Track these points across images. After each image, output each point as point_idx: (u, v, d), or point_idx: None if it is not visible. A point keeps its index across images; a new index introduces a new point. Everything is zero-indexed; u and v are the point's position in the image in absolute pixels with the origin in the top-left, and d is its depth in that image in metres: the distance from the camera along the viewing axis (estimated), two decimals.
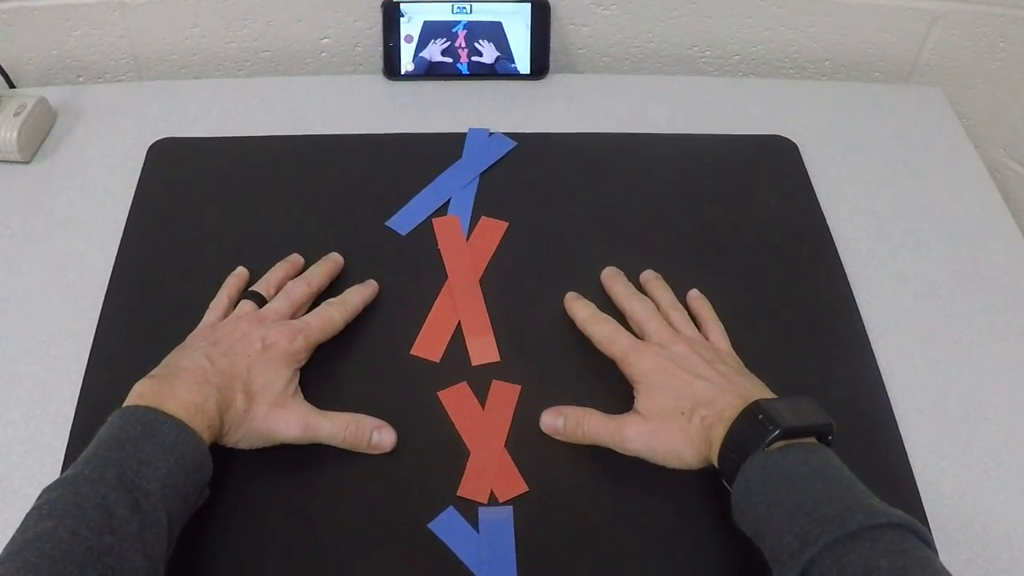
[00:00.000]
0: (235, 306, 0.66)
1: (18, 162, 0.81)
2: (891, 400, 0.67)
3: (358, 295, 0.68)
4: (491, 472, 0.62)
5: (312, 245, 0.74)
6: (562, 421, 0.62)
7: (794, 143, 0.84)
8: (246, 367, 0.60)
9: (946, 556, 0.58)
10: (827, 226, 0.78)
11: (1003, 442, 0.66)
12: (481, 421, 0.64)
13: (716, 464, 0.57)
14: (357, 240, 0.74)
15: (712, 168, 0.82)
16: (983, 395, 0.68)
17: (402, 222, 0.76)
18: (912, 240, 0.79)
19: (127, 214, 0.76)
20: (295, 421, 0.60)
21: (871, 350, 0.70)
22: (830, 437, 0.56)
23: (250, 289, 0.67)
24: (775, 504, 0.51)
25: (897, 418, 0.66)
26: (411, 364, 0.67)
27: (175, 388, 0.56)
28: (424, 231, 0.76)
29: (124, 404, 0.55)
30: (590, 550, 0.59)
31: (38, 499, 0.49)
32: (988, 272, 0.76)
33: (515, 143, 0.82)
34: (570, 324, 0.70)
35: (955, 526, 0.61)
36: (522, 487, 0.61)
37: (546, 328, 0.70)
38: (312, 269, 0.69)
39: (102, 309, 0.70)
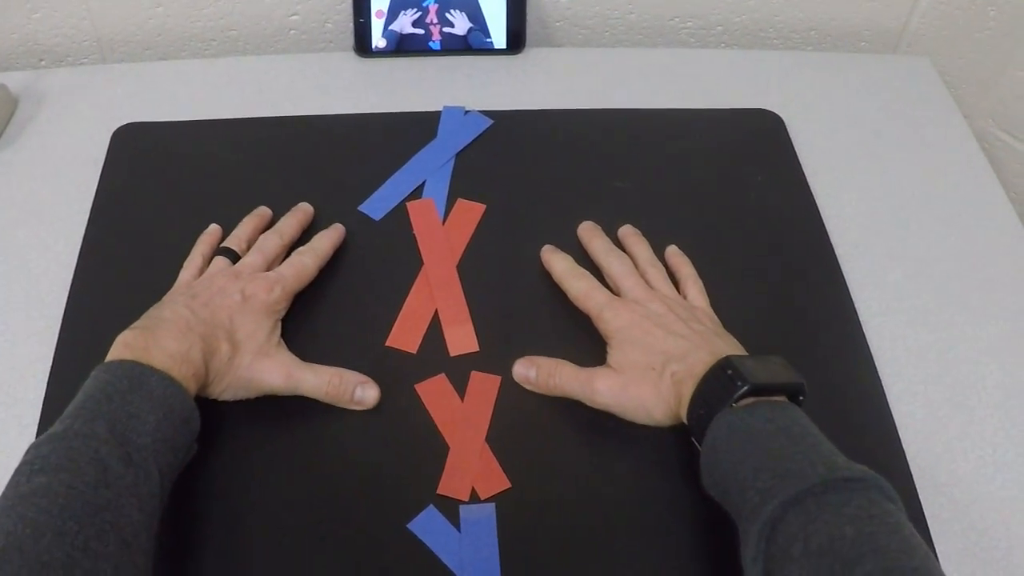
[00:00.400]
0: (209, 264, 0.66)
1: None
2: (880, 374, 0.66)
3: (327, 240, 0.68)
4: (472, 468, 0.60)
5: None
6: (534, 372, 0.62)
7: (780, 117, 0.82)
8: (228, 317, 0.60)
9: (941, 543, 0.58)
10: (814, 201, 0.76)
11: (999, 424, 0.65)
12: (461, 414, 0.62)
13: (685, 420, 0.57)
14: (329, 226, 0.72)
15: (696, 144, 0.80)
16: (975, 371, 0.68)
17: (375, 207, 0.74)
18: (901, 213, 0.77)
19: (91, 200, 0.74)
20: (279, 370, 0.60)
21: (860, 327, 0.69)
22: (801, 397, 0.55)
23: (222, 246, 0.67)
24: (739, 462, 0.51)
25: (887, 397, 0.65)
26: (387, 356, 0.65)
27: (159, 337, 0.56)
28: (398, 215, 0.73)
29: (108, 357, 0.55)
30: (575, 549, 0.57)
31: (26, 454, 0.48)
32: (978, 244, 0.75)
33: (491, 121, 0.80)
34: (551, 310, 0.68)
35: (950, 514, 0.61)
36: (504, 483, 0.59)
37: (527, 315, 0.68)
38: (283, 221, 0.69)
39: (68, 298, 0.68)
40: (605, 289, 0.66)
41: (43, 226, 0.73)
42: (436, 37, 0.85)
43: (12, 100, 0.83)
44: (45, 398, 0.62)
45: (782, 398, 0.55)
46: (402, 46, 0.85)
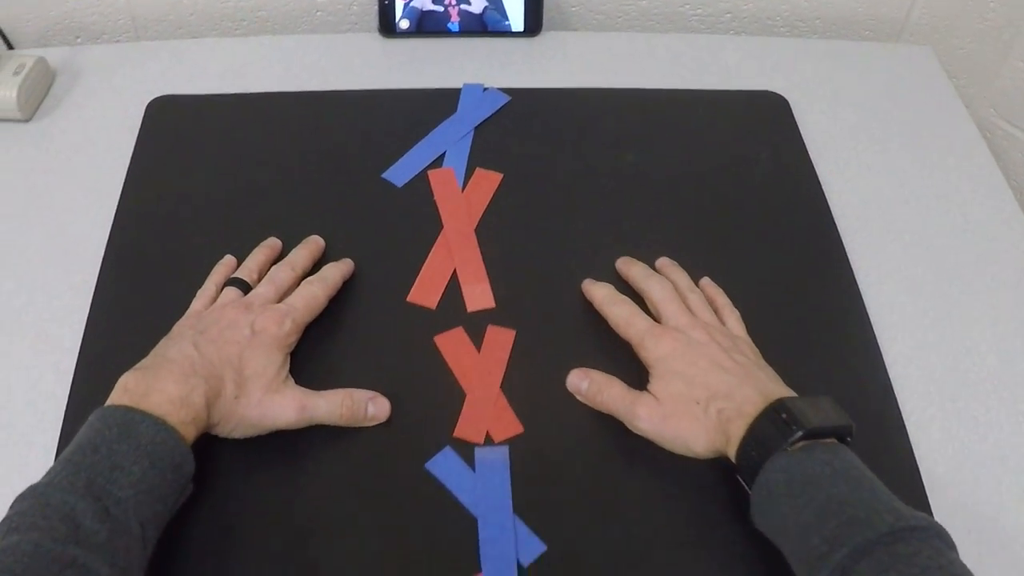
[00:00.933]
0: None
1: (18, 120, 0.82)
2: (881, 348, 0.68)
3: (337, 271, 0.68)
4: (487, 413, 0.63)
5: (309, 198, 0.76)
6: (586, 384, 0.63)
7: (785, 99, 0.85)
8: (236, 354, 0.59)
9: (936, 505, 0.61)
10: (817, 177, 0.79)
11: (992, 388, 0.68)
12: (477, 364, 0.65)
13: (733, 460, 0.57)
14: (354, 192, 0.75)
15: (703, 122, 0.83)
16: (973, 346, 0.70)
17: (398, 174, 0.77)
18: (903, 198, 0.80)
19: (126, 170, 0.77)
20: (290, 405, 0.59)
21: (862, 301, 0.71)
22: (849, 438, 0.55)
23: (233, 276, 0.66)
24: (799, 506, 0.51)
25: (889, 371, 0.68)
26: (408, 311, 0.68)
27: (160, 379, 0.55)
28: (420, 183, 0.77)
29: (108, 400, 0.55)
30: (584, 488, 0.61)
31: (10, 508, 0.48)
32: (979, 229, 0.77)
33: (509, 98, 0.83)
34: (564, 270, 0.71)
35: (945, 469, 0.64)
36: (517, 428, 0.63)
37: (541, 274, 0.71)
38: (294, 252, 0.69)
39: (102, 261, 0.71)
40: (646, 316, 0.65)
41: (79, 191, 0.77)
42: (454, 18, 0.88)
43: (50, 73, 0.86)
44: (80, 349, 0.66)
45: (832, 440, 0.55)
46: (423, 26, 0.89)
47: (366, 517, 0.59)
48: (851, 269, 0.73)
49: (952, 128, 0.86)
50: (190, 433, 0.55)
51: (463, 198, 0.74)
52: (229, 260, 0.69)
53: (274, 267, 0.67)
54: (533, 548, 0.58)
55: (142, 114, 0.82)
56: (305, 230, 0.72)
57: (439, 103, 0.83)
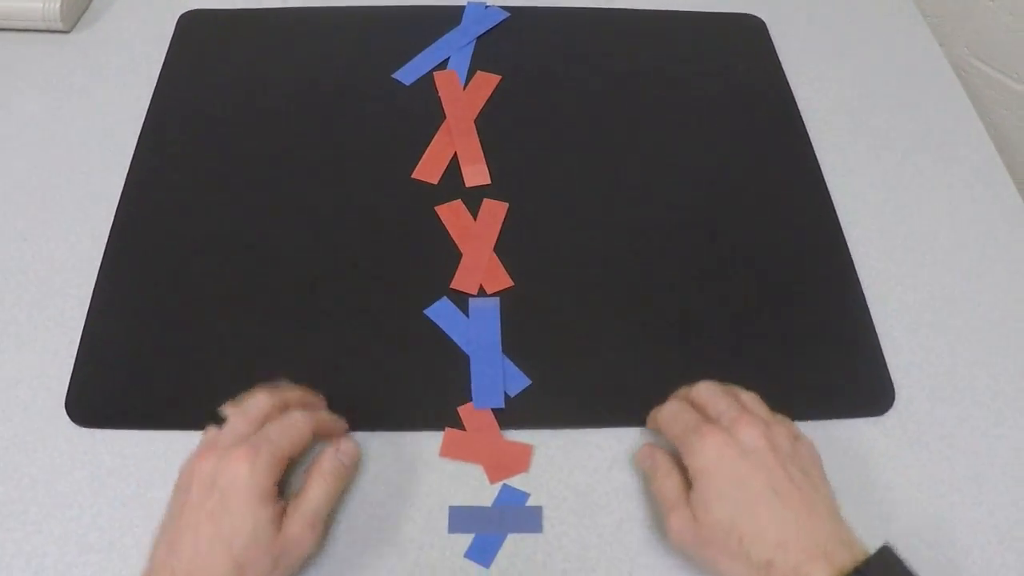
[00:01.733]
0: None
1: (60, 31, 0.89)
2: (855, 263, 0.75)
3: (326, 418, 0.59)
4: (481, 270, 0.71)
5: (327, 96, 0.83)
6: (649, 463, 0.58)
7: (762, 20, 0.93)
8: (217, 549, 0.49)
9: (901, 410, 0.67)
10: (791, 90, 0.87)
11: (967, 303, 0.74)
12: (473, 230, 0.73)
13: None
14: (367, 90, 0.83)
15: (686, 37, 0.91)
16: (943, 280, 0.74)
17: (407, 74, 0.85)
18: (878, 129, 0.85)
19: (157, 76, 0.85)
20: (304, 542, 0.53)
21: (836, 218, 0.78)
22: None
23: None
24: None
25: (859, 275, 0.74)
26: (413, 185, 0.76)
27: None
28: (426, 82, 0.85)
29: None
30: (565, 333, 0.69)
31: None
32: (953, 169, 0.81)
33: (508, 14, 0.91)
34: (552, 155, 0.80)
35: (915, 380, 0.70)
36: (508, 282, 0.70)
37: (531, 158, 0.79)
38: (287, 390, 0.59)
39: (133, 154, 0.78)
40: (696, 413, 0.57)
41: (116, 92, 0.84)
42: None
43: None
44: (113, 224, 0.74)
45: None
46: None
47: (375, 351, 0.67)
48: (822, 174, 0.80)
49: (927, 66, 0.92)
50: None
51: (464, 95, 0.83)
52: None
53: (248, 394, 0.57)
54: (519, 382, 0.66)
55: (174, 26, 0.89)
56: (322, 124, 0.81)
57: (446, 17, 0.91)
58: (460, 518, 0.59)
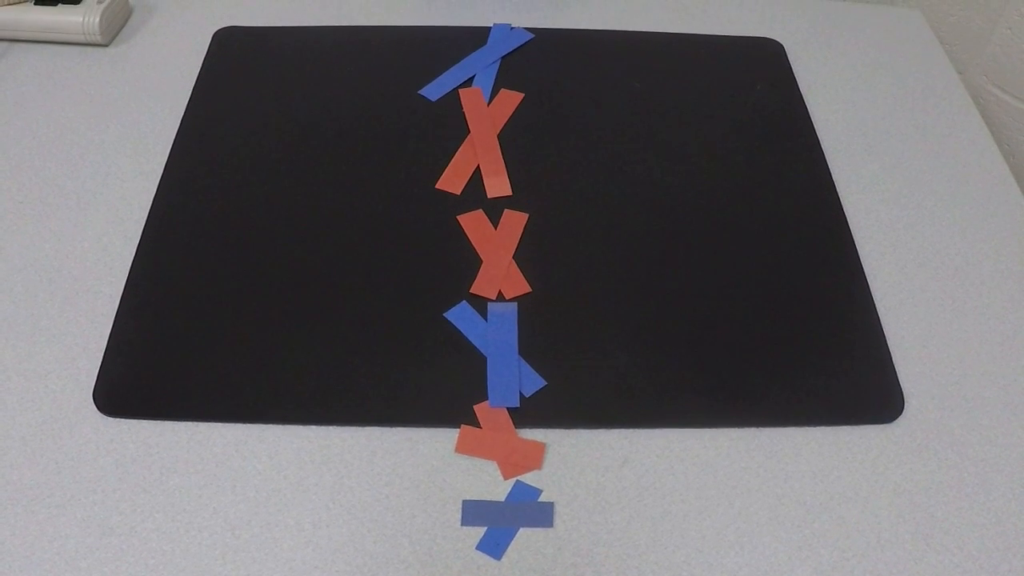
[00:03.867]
0: None
1: (99, 44, 0.93)
2: (869, 285, 0.76)
3: None
4: (500, 276, 0.73)
5: (356, 111, 0.86)
6: None
7: (780, 44, 0.95)
8: None
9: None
10: (807, 111, 0.89)
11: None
12: (493, 239, 0.75)
13: None
14: (394, 105, 0.86)
15: (706, 60, 0.94)
16: (960, 305, 0.75)
17: (433, 91, 0.88)
18: (895, 158, 0.86)
19: (191, 89, 0.88)
20: None
21: (849, 233, 0.79)
22: None
23: None
24: None
25: (879, 312, 0.76)
26: (436, 195, 0.79)
27: None
28: (451, 99, 0.87)
29: None
30: (580, 338, 0.70)
31: None
32: (966, 189, 0.83)
33: (532, 35, 0.94)
34: (572, 169, 0.82)
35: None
36: (526, 288, 0.72)
37: (552, 171, 0.81)
38: None
39: (166, 163, 0.81)
40: None
41: (151, 104, 0.87)
42: None
43: (128, 7, 0.98)
44: (134, 258, 0.77)
45: None
46: None
47: (396, 351, 0.69)
48: (839, 201, 0.81)
49: (942, 88, 0.93)
50: None
51: (488, 111, 0.85)
52: None
53: None
54: (534, 382, 0.67)
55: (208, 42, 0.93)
56: (350, 137, 0.83)
57: (472, 38, 0.94)
58: (473, 511, 0.60)
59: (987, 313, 0.74)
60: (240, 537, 0.59)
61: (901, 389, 0.68)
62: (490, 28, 0.95)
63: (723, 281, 0.74)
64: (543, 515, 0.60)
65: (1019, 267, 0.77)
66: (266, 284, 0.72)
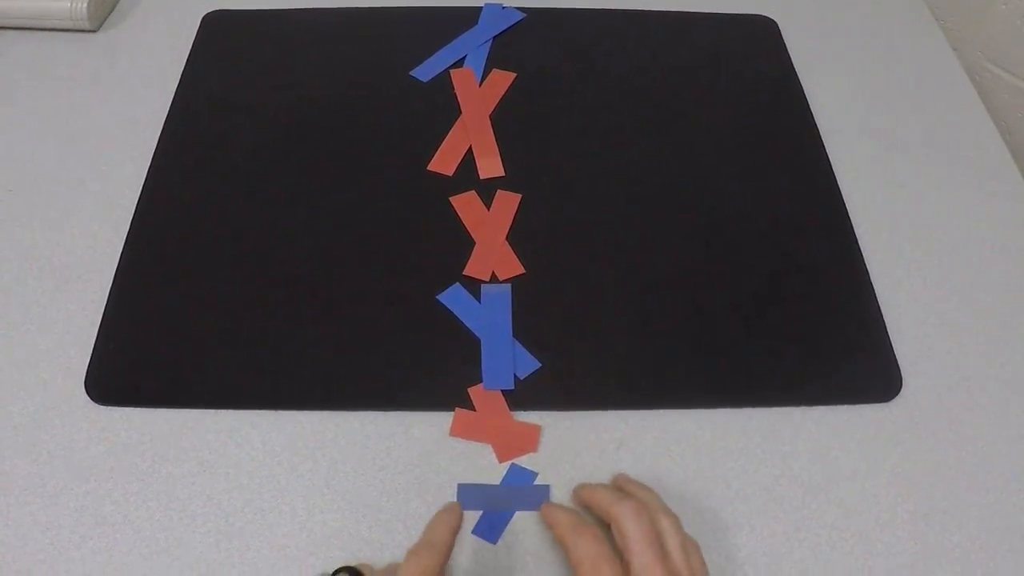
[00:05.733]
0: None
1: (87, 30, 0.92)
2: (868, 269, 0.75)
3: (444, 526, 0.54)
4: (493, 257, 0.72)
5: (346, 94, 0.85)
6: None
7: (774, 20, 0.94)
8: None
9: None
10: (802, 87, 0.88)
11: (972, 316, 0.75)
12: (486, 220, 0.74)
13: None
14: (386, 86, 0.85)
15: (697, 39, 0.93)
16: (954, 288, 0.74)
17: (424, 72, 0.87)
18: (890, 137, 0.85)
19: (180, 74, 0.87)
20: None
21: (846, 212, 0.79)
22: None
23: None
24: None
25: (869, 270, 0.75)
26: (428, 177, 0.78)
27: None
28: (443, 80, 0.86)
29: None
30: (574, 318, 0.70)
31: None
32: (963, 168, 0.82)
33: (524, 15, 0.93)
34: (564, 149, 0.81)
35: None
36: (519, 269, 0.72)
37: (544, 151, 0.80)
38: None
39: (155, 148, 0.80)
40: (616, 560, 0.51)
41: (139, 89, 0.86)
42: None
43: None
44: (124, 245, 0.76)
45: None
46: None
47: (389, 334, 0.68)
48: (835, 179, 0.81)
49: (938, 68, 0.93)
50: None
51: (480, 91, 0.84)
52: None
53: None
54: (528, 364, 0.67)
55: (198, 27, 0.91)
56: (341, 119, 0.82)
57: (463, 18, 0.93)
58: (468, 495, 0.60)
59: (985, 293, 0.74)
60: (234, 524, 0.59)
61: (899, 368, 0.67)
62: (481, 8, 0.94)
63: (719, 261, 0.73)
64: (539, 497, 0.60)
65: (1017, 247, 0.76)
66: (257, 269, 0.71)
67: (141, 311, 0.69)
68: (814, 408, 0.65)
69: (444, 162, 0.78)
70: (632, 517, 0.51)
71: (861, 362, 0.67)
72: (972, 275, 0.75)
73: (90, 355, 0.66)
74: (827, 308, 0.70)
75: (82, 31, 0.92)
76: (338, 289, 0.70)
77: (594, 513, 0.56)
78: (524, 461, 0.62)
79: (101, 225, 0.74)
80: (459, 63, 0.87)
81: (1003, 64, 0.98)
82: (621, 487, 0.57)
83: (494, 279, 0.71)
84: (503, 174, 0.78)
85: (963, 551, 0.60)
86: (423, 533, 0.52)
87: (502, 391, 0.65)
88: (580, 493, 0.58)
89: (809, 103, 0.86)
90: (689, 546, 0.52)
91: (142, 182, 0.77)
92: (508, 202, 0.75)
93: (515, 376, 0.66)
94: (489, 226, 0.73)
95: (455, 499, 0.60)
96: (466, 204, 0.75)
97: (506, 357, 0.66)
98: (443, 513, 0.54)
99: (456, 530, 0.53)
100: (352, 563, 0.53)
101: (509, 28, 0.92)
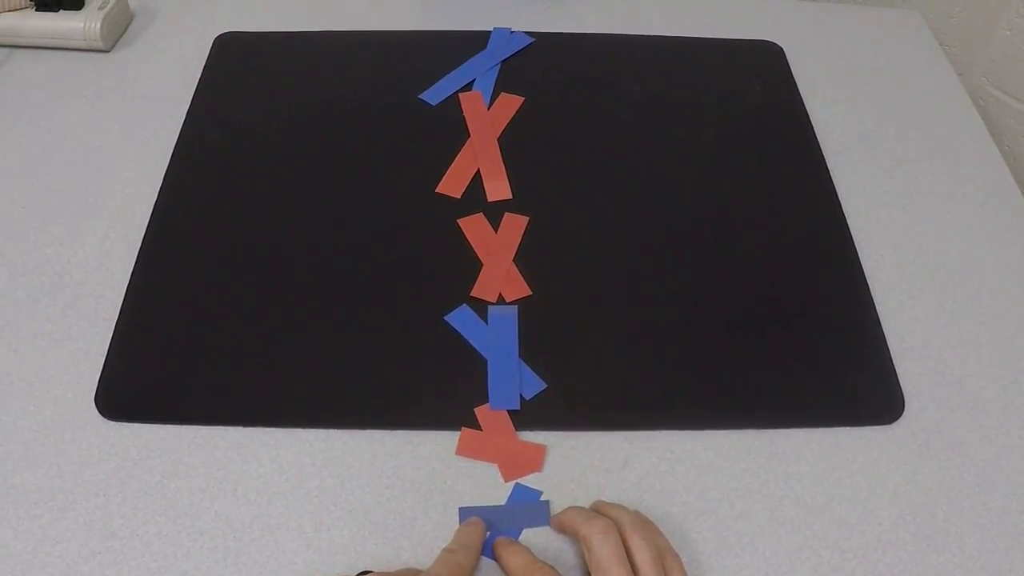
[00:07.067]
0: None
1: (101, 50, 0.93)
2: (875, 303, 0.75)
3: (474, 532, 0.57)
4: (500, 279, 0.73)
5: (355, 116, 0.86)
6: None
7: (780, 46, 0.95)
8: None
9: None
10: (807, 112, 0.89)
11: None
12: (494, 242, 0.75)
13: None
14: (395, 109, 0.86)
15: (706, 62, 0.94)
16: (959, 309, 0.75)
17: (433, 95, 0.88)
18: (894, 160, 0.86)
19: (192, 94, 0.88)
20: None
21: (849, 234, 0.79)
22: None
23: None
24: None
25: (873, 296, 0.76)
26: (437, 199, 0.79)
27: None
28: (452, 103, 0.87)
29: None
30: (580, 340, 0.70)
31: None
32: (966, 190, 0.83)
33: (532, 40, 0.94)
34: (572, 172, 0.82)
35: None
36: (526, 291, 0.72)
37: (552, 174, 0.81)
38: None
39: (167, 167, 0.81)
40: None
41: (153, 108, 0.87)
42: None
43: (130, 12, 0.98)
44: (148, 226, 0.77)
45: None
46: None
47: (397, 354, 0.69)
48: (839, 202, 0.82)
49: (944, 94, 0.94)
50: None
51: (488, 115, 0.85)
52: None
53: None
54: (534, 385, 0.67)
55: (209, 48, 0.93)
56: (350, 141, 0.84)
57: (471, 42, 0.94)
58: (469, 517, 0.60)
59: (987, 315, 0.74)
60: (242, 540, 0.59)
61: (901, 390, 0.68)
62: (490, 32, 0.95)
63: (723, 283, 0.74)
64: (540, 514, 0.61)
65: (1019, 269, 0.77)
66: (267, 288, 0.72)
67: (152, 328, 0.69)
68: (816, 430, 0.66)
69: (452, 185, 0.79)
70: (598, 537, 0.52)
71: (863, 384, 0.68)
72: (975, 298, 0.75)
73: (100, 371, 0.67)
74: (830, 330, 0.71)
75: (96, 51, 0.93)
76: (347, 309, 0.71)
77: (568, 535, 0.58)
78: (530, 481, 0.62)
79: (113, 242, 0.75)
80: (468, 87, 0.88)
81: (1007, 89, 1.00)
82: (597, 509, 0.57)
83: (501, 301, 0.72)
84: (511, 197, 0.79)
85: (965, 572, 0.60)
86: (455, 536, 0.56)
87: (508, 411, 0.65)
88: (556, 517, 0.58)
89: (814, 126, 0.87)
90: (669, 560, 0.52)
91: (154, 200, 0.78)
92: (515, 225, 0.76)
93: (521, 396, 0.66)
94: (496, 248, 0.74)
95: (457, 522, 0.60)
96: (474, 226, 0.75)
97: (512, 378, 0.67)
98: (472, 522, 0.57)
99: (484, 537, 0.56)
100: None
101: (518, 52, 0.93)
